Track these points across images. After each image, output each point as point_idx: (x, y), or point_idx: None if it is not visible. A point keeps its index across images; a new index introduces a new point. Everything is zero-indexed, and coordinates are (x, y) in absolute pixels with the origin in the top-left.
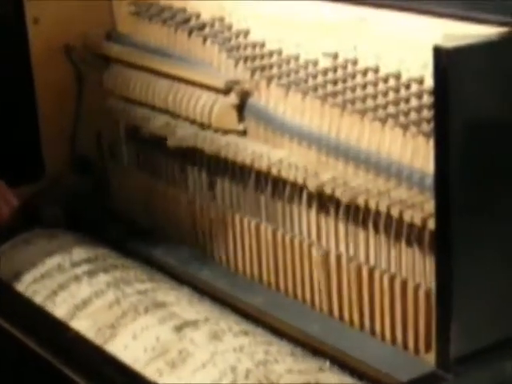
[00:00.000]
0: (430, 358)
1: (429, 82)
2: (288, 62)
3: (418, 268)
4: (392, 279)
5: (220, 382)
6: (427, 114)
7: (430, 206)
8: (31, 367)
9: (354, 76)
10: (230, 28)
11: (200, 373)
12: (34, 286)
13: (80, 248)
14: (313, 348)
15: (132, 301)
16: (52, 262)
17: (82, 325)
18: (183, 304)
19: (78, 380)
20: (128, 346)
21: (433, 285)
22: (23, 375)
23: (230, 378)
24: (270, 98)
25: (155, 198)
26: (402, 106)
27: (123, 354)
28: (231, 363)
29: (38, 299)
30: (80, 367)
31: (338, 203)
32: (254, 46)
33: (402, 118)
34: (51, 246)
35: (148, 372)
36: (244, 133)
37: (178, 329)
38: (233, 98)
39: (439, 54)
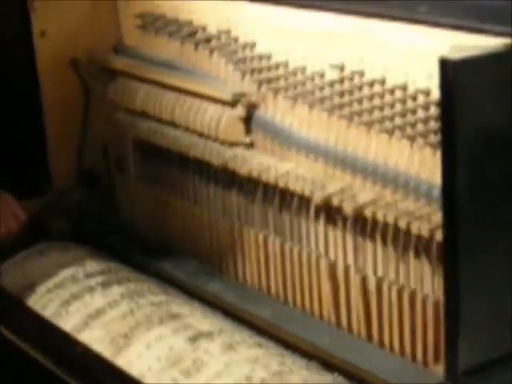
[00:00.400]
0: (439, 370)
1: (435, 94)
2: (295, 74)
3: (426, 279)
4: (400, 291)
5: None
6: (434, 125)
7: (437, 217)
8: (39, 381)
9: (360, 88)
10: (236, 40)
11: (215, 382)
12: (47, 295)
13: (93, 260)
14: (322, 360)
15: (146, 312)
16: (65, 273)
17: (95, 334)
18: (197, 316)
19: None
20: (142, 355)
21: (441, 296)
22: None
23: None
24: (277, 111)
25: (163, 212)
26: (409, 117)
27: (137, 363)
28: (246, 373)
29: (52, 308)
30: (89, 381)
31: (345, 215)
32: (260, 58)
33: (408, 130)
34: (65, 258)
35: (162, 380)
36: (251, 145)
37: (193, 340)
38: (239, 111)
39: (445, 65)
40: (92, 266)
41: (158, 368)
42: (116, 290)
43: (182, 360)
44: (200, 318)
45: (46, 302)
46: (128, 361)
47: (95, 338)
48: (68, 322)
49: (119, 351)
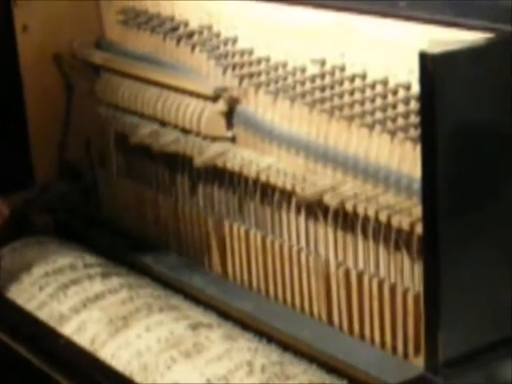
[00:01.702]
0: (419, 362)
1: (416, 88)
2: (276, 68)
3: (406, 272)
4: (381, 284)
5: (236, 372)
6: (414, 119)
7: (417, 210)
8: (22, 373)
9: (341, 82)
10: (218, 36)
11: (215, 364)
12: (45, 278)
13: (91, 253)
14: (302, 353)
15: (146, 301)
16: (64, 261)
17: (93, 315)
18: (197, 310)
19: None
20: (141, 336)
21: (421, 289)
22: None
23: (246, 370)
24: (259, 105)
25: (144, 206)
26: (390, 112)
27: (135, 343)
28: (247, 358)
29: (49, 290)
30: (71, 373)
31: (326, 209)
32: (242, 53)
33: (389, 124)
34: (63, 248)
35: (161, 360)
36: (233, 140)
37: (193, 327)
38: (221, 105)
39: (425, 59)
40: (91, 257)
41: (157, 348)
42: (116, 280)
43: (182, 343)
44: (199, 312)
45: (43, 285)
46: (126, 341)
47: (93, 319)
48: (65, 304)
49: (117, 332)
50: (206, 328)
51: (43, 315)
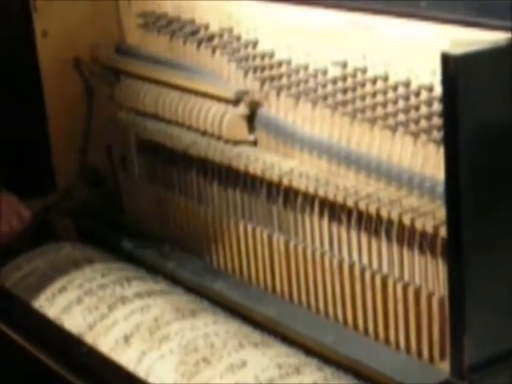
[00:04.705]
0: (445, 366)
1: (438, 89)
2: (297, 71)
3: (431, 276)
4: (405, 287)
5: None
6: (437, 121)
7: (441, 213)
8: (45, 381)
9: (363, 85)
10: (238, 38)
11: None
12: (69, 284)
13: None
14: (327, 358)
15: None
16: (87, 267)
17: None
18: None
19: None
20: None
21: (446, 292)
22: None
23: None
24: (280, 108)
25: (166, 210)
26: (412, 113)
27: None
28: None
29: (72, 296)
30: (93, 379)
31: (349, 212)
32: (263, 56)
33: (412, 126)
34: (85, 253)
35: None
36: (255, 143)
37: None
38: (242, 109)
39: (447, 60)
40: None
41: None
42: (139, 286)
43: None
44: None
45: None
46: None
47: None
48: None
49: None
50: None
51: (71, 319)
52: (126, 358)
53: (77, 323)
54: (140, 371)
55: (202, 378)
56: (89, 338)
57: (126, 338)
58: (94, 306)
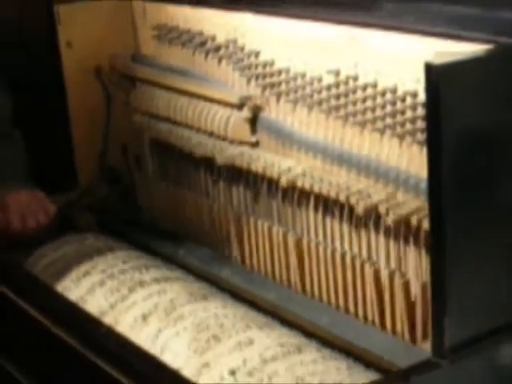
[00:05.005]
0: (427, 346)
1: (422, 96)
2: (295, 79)
3: (414, 264)
4: (391, 275)
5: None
6: (421, 124)
7: (424, 208)
8: (66, 359)
9: (354, 91)
10: (242, 49)
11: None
12: (92, 270)
13: (130, 248)
14: (321, 339)
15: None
16: (107, 255)
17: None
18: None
19: (110, 371)
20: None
21: (428, 279)
22: (60, 367)
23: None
24: (280, 112)
25: (177, 204)
26: (399, 117)
27: (213, 310)
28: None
29: (95, 279)
30: (112, 359)
31: (341, 206)
32: (264, 65)
33: (398, 129)
34: (105, 244)
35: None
36: (256, 144)
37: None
38: (246, 113)
39: (430, 70)
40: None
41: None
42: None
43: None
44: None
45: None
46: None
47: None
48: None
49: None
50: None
51: (94, 300)
52: (144, 335)
53: (99, 303)
54: (156, 346)
55: (212, 354)
56: (110, 317)
57: (144, 317)
58: (116, 289)
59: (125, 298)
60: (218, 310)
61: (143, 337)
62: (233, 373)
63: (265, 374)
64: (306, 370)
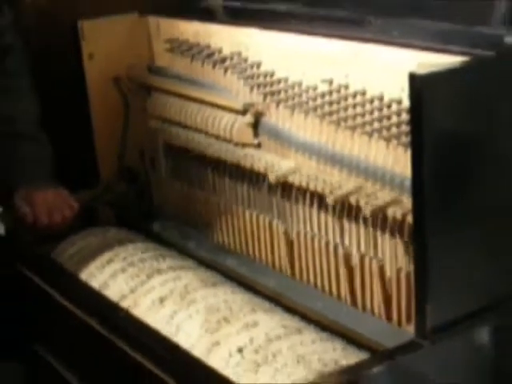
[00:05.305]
0: (411, 329)
1: (406, 103)
2: (293, 87)
3: (400, 254)
4: (379, 264)
5: None
6: (405, 128)
7: (408, 203)
8: (90, 341)
9: (345, 98)
10: (245, 60)
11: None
12: (113, 259)
13: (146, 240)
14: (316, 322)
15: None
16: (125, 246)
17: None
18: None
19: (128, 351)
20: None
21: (412, 268)
22: (85, 348)
23: None
24: (279, 118)
25: (188, 200)
26: (385, 122)
27: (223, 296)
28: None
29: (116, 266)
30: (129, 340)
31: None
32: (265, 75)
33: (384, 132)
34: (123, 236)
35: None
36: (258, 146)
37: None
38: (249, 118)
39: (413, 79)
40: (146, 244)
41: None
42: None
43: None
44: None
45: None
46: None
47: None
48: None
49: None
50: None
51: (116, 285)
52: (161, 316)
53: (121, 287)
54: (172, 326)
55: (222, 334)
56: (130, 299)
57: (161, 300)
58: (135, 275)
59: (144, 283)
60: (226, 296)
61: (160, 318)
62: (240, 350)
63: (269, 351)
64: (306, 349)
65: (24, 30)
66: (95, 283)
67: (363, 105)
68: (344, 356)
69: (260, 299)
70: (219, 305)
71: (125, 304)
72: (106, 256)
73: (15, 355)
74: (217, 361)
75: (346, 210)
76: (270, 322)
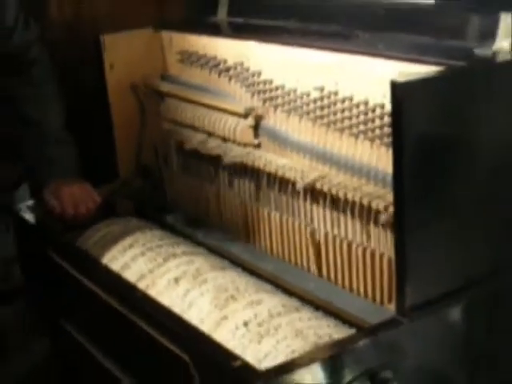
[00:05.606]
0: (392, 307)
1: (388, 107)
2: (289, 94)
3: (382, 241)
4: (364, 250)
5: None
6: (387, 130)
7: (390, 196)
8: (112, 318)
9: (335, 103)
10: (247, 70)
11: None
12: (131, 245)
13: (160, 229)
14: (309, 301)
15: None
16: (142, 233)
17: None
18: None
19: (144, 327)
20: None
21: (393, 253)
22: (107, 325)
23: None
24: (277, 121)
25: (196, 194)
26: (370, 125)
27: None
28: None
29: (136, 251)
30: (146, 317)
31: (325, 196)
32: (264, 82)
33: (369, 134)
34: (141, 225)
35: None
36: (259, 146)
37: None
38: (250, 121)
39: (395, 86)
40: (160, 232)
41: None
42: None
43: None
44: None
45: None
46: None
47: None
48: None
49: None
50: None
51: (136, 266)
52: (175, 294)
53: (140, 268)
54: (185, 303)
55: (229, 309)
56: (149, 279)
57: (176, 280)
58: (153, 258)
59: (160, 265)
60: (233, 278)
61: (174, 295)
62: (246, 324)
63: (271, 325)
64: (304, 325)
65: (51, 43)
66: (117, 265)
67: (350, 109)
68: (336, 331)
69: (262, 282)
70: (227, 285)
71: (144, 283)
72: (128, 241)
73: (45, 330)
74: (225, 333)
75: (336, 201)
76: (271, 300)
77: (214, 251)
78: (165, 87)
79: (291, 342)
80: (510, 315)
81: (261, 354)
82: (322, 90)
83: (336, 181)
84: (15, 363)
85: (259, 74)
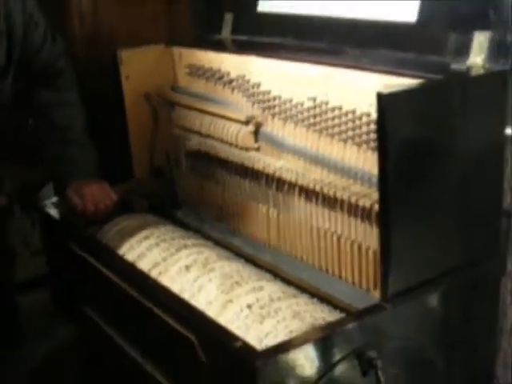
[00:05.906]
0: (377, 294)
1: (374, 115)
2: (285, 103)
3: (369, 236)
4: (352, 243)
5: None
6: (373, 136)
7: (375, 195)
8: (127, 303)
9: (326, 112)
10: (248, 82)
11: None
12: (146, 236)
13: (171, 224)
14: (302, 288)
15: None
16: (155, 228)
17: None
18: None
19: (156, 311)
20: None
21: (378, 246)
22: (123, 310)
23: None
24: (274, 127)
25: (203, 193)
26: (357, 131)
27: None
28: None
29: (151, 242)
30: (157, 302)
31: (317, 194)
32: (263, 93)
33: (357, 139)
34: (154, 220)
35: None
36: (258, 149)
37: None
38: (251, 127)
39: (380, 97)
40: (171, 227)
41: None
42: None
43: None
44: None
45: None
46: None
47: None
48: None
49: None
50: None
51: (151, 255)
52: (186, 279)
53: (155, 257)
54: (194, 287)
55: (234, 294)
56: (162, 266)
57: (187, 268)
58: (167, 248)
59: (173, 254)
60: (238, 267)
61: (185, 281)
62: (249, 307)
63: (272, 308)
64: (301, 308)
65: (74, 55)
66: (134, 254)
67: (340, 117)
68: (330, 315)
69: (263, 272)
70: (232, 273)
71: (157, 270)
72: (143, 234)
73: (70, 316)
74: (230, 314)
75: (327, 200)
76: (272, 287)
77: (218, 243)
78: (175, 97)
79: (290, 323)
80: (486, 303)
81: (262, 334)
82: (314, 100)
83: (327, 181)
84: (40, 348)
85: (259, 85)
